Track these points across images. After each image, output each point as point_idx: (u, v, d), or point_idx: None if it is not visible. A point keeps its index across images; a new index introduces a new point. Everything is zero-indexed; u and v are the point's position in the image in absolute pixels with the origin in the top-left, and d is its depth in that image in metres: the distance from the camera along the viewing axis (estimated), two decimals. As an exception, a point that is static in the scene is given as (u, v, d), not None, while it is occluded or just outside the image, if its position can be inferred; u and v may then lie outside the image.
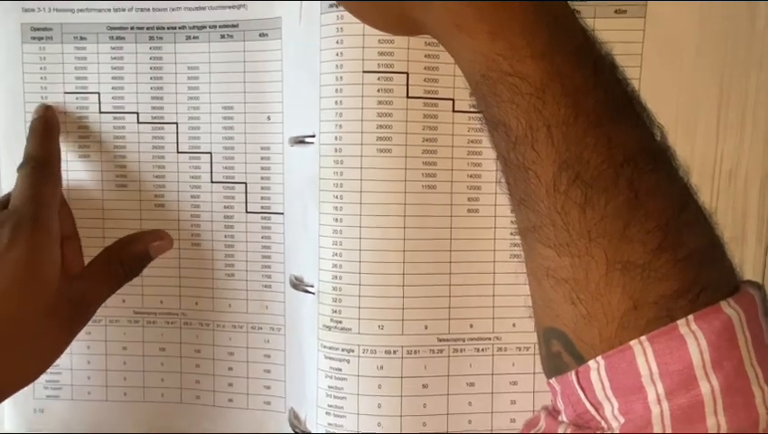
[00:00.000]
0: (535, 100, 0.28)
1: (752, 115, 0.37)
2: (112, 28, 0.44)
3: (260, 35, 0.42)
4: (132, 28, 0.44)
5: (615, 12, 0.37)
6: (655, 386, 0.26)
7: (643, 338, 0.27)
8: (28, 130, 0.44)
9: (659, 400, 0.26)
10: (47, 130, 0.44)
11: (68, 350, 0.46)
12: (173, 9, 0.43)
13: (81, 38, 0.44)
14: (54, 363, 0.46)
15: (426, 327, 0.39)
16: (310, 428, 0.41)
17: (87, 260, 0.45)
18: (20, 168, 0.42)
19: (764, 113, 0.37)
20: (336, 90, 0.37)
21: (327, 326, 0.39)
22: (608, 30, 0.36)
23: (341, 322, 0.39)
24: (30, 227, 0.39)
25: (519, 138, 0.29)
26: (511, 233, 0.39)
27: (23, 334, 0.39)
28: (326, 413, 0.39)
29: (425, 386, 0.39)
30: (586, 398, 0.28)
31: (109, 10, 0.44)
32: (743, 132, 0.37)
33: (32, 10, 0.44)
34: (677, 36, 0.37)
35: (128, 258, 0.44)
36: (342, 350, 0.39)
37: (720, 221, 0.37)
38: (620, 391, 0.27)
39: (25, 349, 0.39)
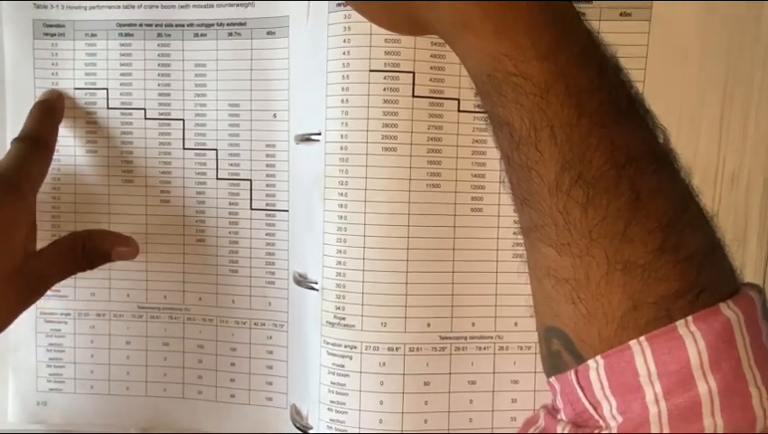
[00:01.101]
0: (539, 100, 0.28)
1: (755, 118, 0.37)
2: (121, 25, 0.44)
3: (268, 33, 0.43)
4: (141, 25, 0.44)
5: (620, 14, 0.37)
6: (653, 386, 0.26)
7: (642, 338, 0.27)
8: (31, 108, 0.44)
9: (656, 400, 0.26)
10: (49, 111, 0.45)
11: (71, 344, 0.47)
12: (182, 6, 0.44)
13: (92, 35, 0.45)
14: (58, 357, 0.47)
15: (428, 325, 0.39)
16: (311, 424, 0.42)
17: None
18: (15, 141, 0.43)
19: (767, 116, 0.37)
20: (342, 89, 0.38)
21: (330, 323, 0.39)
22: (613, 32, 0.37)
23: (344, 318, 0.39)
24: (12, 194, 0.40)
25: (522, 138, 0.29)
26: (514, 233, 0.39)
27: None
28: (328, 409, 0.40)
29: (426, 384, 0.39)
30: (585, 397, 0.29)
31: (119, 7, 0.44)
32: (746, 135, 0.37)
33: (45, 7, 0.45)
34: (681, 39, 0.37)
35: (91, 251, 0.44)
36: (345, 346, 0.39)
37: (722, 223, 0.37)
38: (618, 391, 0.27)
39: None
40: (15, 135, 0.45)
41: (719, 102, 0.37)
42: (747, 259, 0.38)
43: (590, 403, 0.29)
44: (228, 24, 0.43)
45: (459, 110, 0.38)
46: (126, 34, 0.44)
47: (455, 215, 0.39)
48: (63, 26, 0.45)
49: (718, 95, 0.37)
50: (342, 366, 0.39)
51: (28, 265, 0.41)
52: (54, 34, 0.45)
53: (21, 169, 0.42)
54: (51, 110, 0.45)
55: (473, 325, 0.40)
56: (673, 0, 0.37)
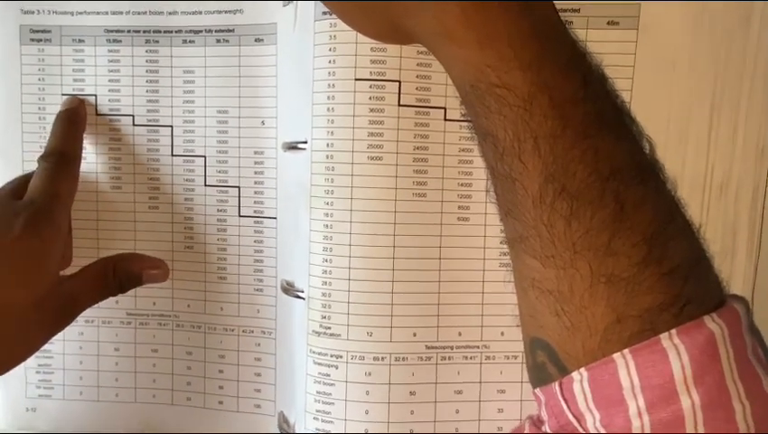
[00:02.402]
0: (522, 112, 0.28)
1: (743, 127, 0.37)
2: (109, 31, 0.44)
3: (256, 40, 0.43)
4: (129, 31, 0.44)
5: (608, 23, 0.37)
6: (636, 399, 0.26)
7: (626, 351, 0.27)
8: (54, 120, 0.44)
9: (639, 414, 0.26)
10: (74, 124, 0.44)
11: (60, 350, 0.47)
12: (170, 13, 0.43)
13: (79, 40, 0.44)
14: (47, 363, 0.47)
15: (414, 334, 0.39)
16: (298, 432, 0.41)
17: (76, 261, 0.45)
18: (41, 159, 0.42)
19: (756, 125, 0.37)
20: (328, 97, 0.37)
21: (316, 332, 0.39)
22: (601, 41, 0.37)
23: (330, 328, 0.39)
24: (44, 221, 0.40)
25: (506, 149, 0.29)
26: (501, 242, 0.39)
27: (9, 323, 0.39)
28: (314, 418, 0.40)
29: (412, 393, 0.39)
30: (569, 409, 0.28)
31: (107, 13, 0.44)
32: (734, 144, 0.37)
33: (32, 12, 0.45)
34: (669, 48, 0.37)
35: (122, 273, 0.44)
36: (331, 356, 0.39)
37: (710, 233, 0.37)
38: (602, 404, 0.27)
39: (6, 339, 0.39)
40: (3, 140, 0.45)
41: (707, 111, 0.37)
42: (736, 270, 0.38)
43: (574, 416, 0.28)
44: (216, 31, 0.43)
45: (445, 119, 0.38)
46: (114, 40, 0.44)
47: (442, 224, 0.39)
48: (50, 32, 0.45)
49: (706, 104, 0.37)
50: (328, 375, 0.39)
51: (60, 289, 0.41)
52: (41, 40, 0.45)
53: (51, 194, 0.41)
54: (74, 120, 0.44)
55: (460, 334, 0.40)
56: (662, 0, 0.37)
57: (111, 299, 0.45)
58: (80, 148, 0.44)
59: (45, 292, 0.40)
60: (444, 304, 0.39)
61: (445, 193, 0.39)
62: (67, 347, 0.47)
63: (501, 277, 0.39)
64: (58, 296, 0.41)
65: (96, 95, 0.45)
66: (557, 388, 0.29)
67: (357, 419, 0.39)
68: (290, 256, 0.43)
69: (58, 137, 0.43)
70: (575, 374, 0.28)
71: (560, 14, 0.31)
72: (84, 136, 0.45)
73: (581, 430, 0.28)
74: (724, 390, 0.26)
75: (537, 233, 0.29)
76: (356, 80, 0.37)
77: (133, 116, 0.45)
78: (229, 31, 0.43)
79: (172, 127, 0.44)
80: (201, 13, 0.43)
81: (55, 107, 0.45)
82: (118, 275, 0.44)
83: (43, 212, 0.40)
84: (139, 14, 0.44)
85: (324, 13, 0.37)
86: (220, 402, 0.46)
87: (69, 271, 0.44)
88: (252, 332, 0.45)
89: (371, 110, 0.37)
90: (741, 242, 0.38)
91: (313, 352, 0.39)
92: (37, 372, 0.47)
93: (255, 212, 0.44)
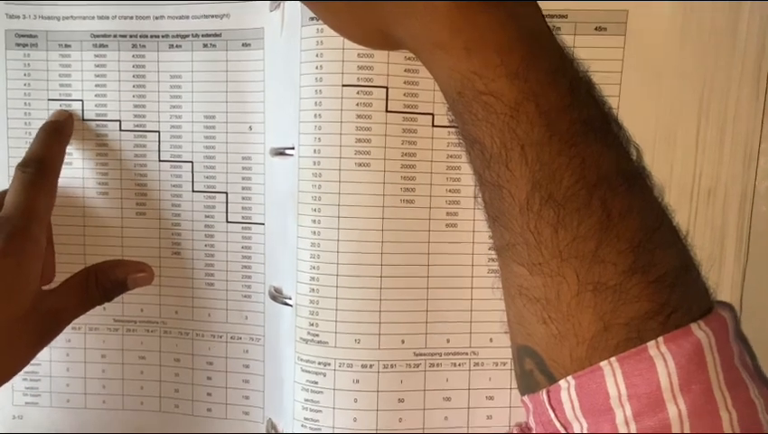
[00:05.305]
0: (509, 120, 0.28)
1: (731, 133, 0.37)
2: (96, 36, 0.44)
3: (243, 45, 0.42)
4: (115, 36, 0.44)
5: (596, 29, 0.37)
6: (623, 408, 0.26)
7: (613, 359, 0.27)
8: (39, 129, 0.43)
9: (626, 422, 0.26)
10: (59, 136, 0.43)
11: (47, 357, 0.46)
12: (157, 17, 0.43)
13: (66, 45, 0.44)
14: (34, 370, 0.46)
15: (402, 341, 0.39)
16: (287, 439, 0.41)
17: (64, 267, 0.45)
18: (19, 167, 0.41)
19: (744, 131, 0.37)
20: (315, 103, 0.37)
21: (304, 339, 0.39)
22: (588, 47, 0.37)
23: (317, 335, 0.39)
24: (22, 239, 0.39)
25: (493, 157, 0.29)
26: (490, 248, 0.39)
27: None
28: (302, 426, 0.39)
29: (401, 400, 0.39)
30: (556, 417, 0.28)
31: (93, 18, 0.44)
32: (722, 150, 0.37)
33: (18, 17, 0.44)
34: (657, 53, 0.37)
35: (105, 281, 0.43)
36: (319, 363, 0.39)
37: (698, 239, 0.37)
38: (589, 412, 0.27)
39: None
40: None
41: (695, 117, 0.37)
42: (724, 276, 0.38)
43: (561, 424, 0.28)
44: (203, 36, 0.43)
45: (433, 125, 0.38)
46: (101, 45, 0.44)
47: (430, 231, 0.39)
48: (36, 36, 0.44)
49: (694, 110, 0.37)
50: (316, 383, 0.39)
51: (42, 303, 0.41)
52: (27, 45, 0.44)
53: (28, 210, 0.40)
54: (59, 133, 0.43)
55: (448, 341, 0.40)
56: (650, 1, 0.37)
57: (98, 306, 0.45)
58: (61, 161, 0.44)
59: (24, 310, 0.39)
60: (432, 310, 0.39)
61: (433, 199, 0.38)
62: (54, 354, 0.46)
63: (490, 283, 0.39)
64: (40, 312, 0.40)
65: (82, 100, 0.44)
66: (545, 396, 0.29)
67: (345, 427, 0.39)
68: (278, 262, 0.42)
69: (40, 145, 0.43)
70: (562, 382, 0.28)
71: (548, 19, 0.31)
72: (67, 149, 0.44)
73: (568, 439, 0.28)
74: (710, 398, 0.26)
75: (524, 241, 0.28)
76: (343, 86, 0.37)
77: (120, 121, 0.44)
78: (216, 35, 0.43)
79: (159, 132, 0.44)
80: (187, 17, 0.43)
81: (41, 112, 0.44)
82: (102, 283, 0.43)
83: (21, 230, 0.39)
84: (126, 18, 0.43)
85: (311, 18, 0.37)
86: (209, 409, 0.46)
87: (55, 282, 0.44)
88: (240, 338, 0.45)
89: (359, 116, 0.37)
90: (729, 248, 0.38)
91: (301, 359, 0.39)
92: (24, 380, 0.47)
93: (243, 217, 0.44)
